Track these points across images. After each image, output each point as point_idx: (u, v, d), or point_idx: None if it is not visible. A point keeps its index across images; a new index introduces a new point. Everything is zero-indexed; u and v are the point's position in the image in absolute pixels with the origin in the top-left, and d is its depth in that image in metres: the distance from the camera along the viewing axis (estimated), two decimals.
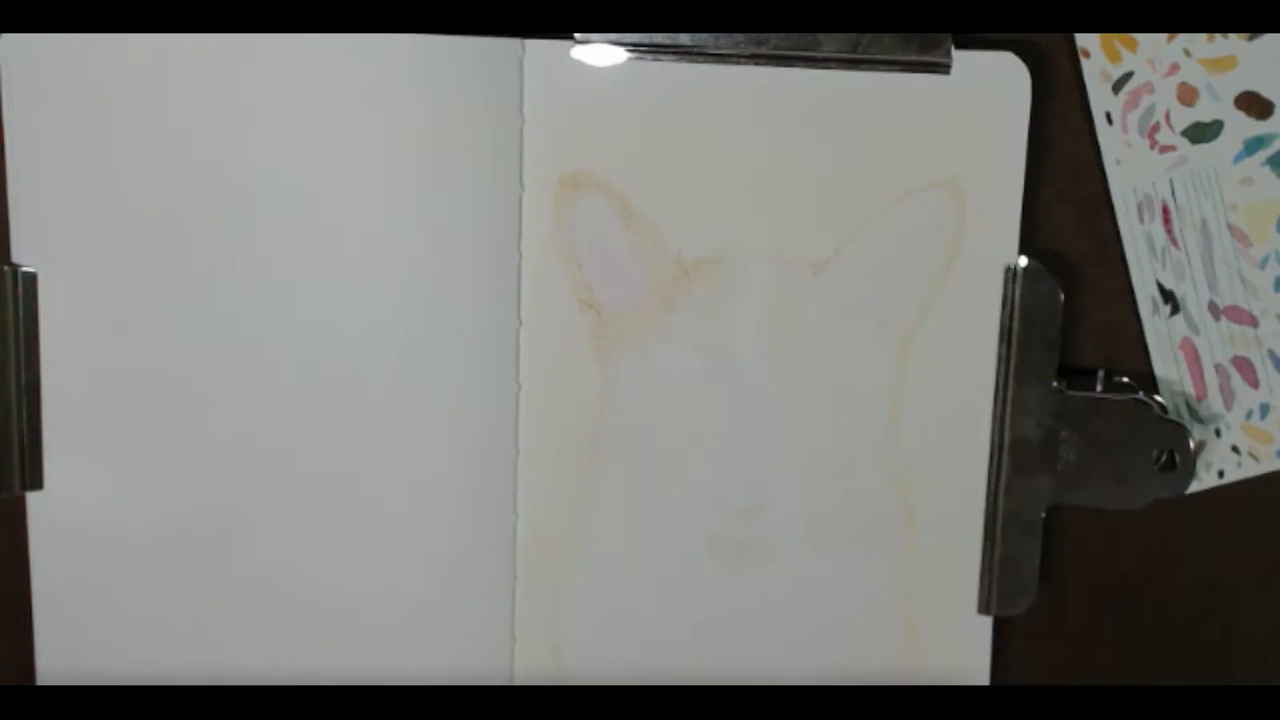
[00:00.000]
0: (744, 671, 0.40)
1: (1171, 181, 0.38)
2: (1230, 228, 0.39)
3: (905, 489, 0.39)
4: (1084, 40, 0.38)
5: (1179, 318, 0.39)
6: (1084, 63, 0.38)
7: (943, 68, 0.37)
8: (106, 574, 0.38)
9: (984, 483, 0.38)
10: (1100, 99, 0.38)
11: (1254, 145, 0.38)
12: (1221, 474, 0.40)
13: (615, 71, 0.37)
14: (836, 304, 0.38)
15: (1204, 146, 0.38)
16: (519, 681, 0.40)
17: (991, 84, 0.37)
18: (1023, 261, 0.38)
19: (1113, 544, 0.40)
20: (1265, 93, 0.38)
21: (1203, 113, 0.38)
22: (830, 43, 0.37)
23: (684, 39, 0.37)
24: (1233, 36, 0.38)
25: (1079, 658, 0.40)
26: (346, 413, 0.38)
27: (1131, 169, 0.38)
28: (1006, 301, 0.38)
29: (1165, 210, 0.39)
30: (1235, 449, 0.39)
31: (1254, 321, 0.39)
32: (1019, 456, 0.38)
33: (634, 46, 0.37)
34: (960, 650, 0.40)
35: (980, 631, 0.39)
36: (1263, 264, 0.39)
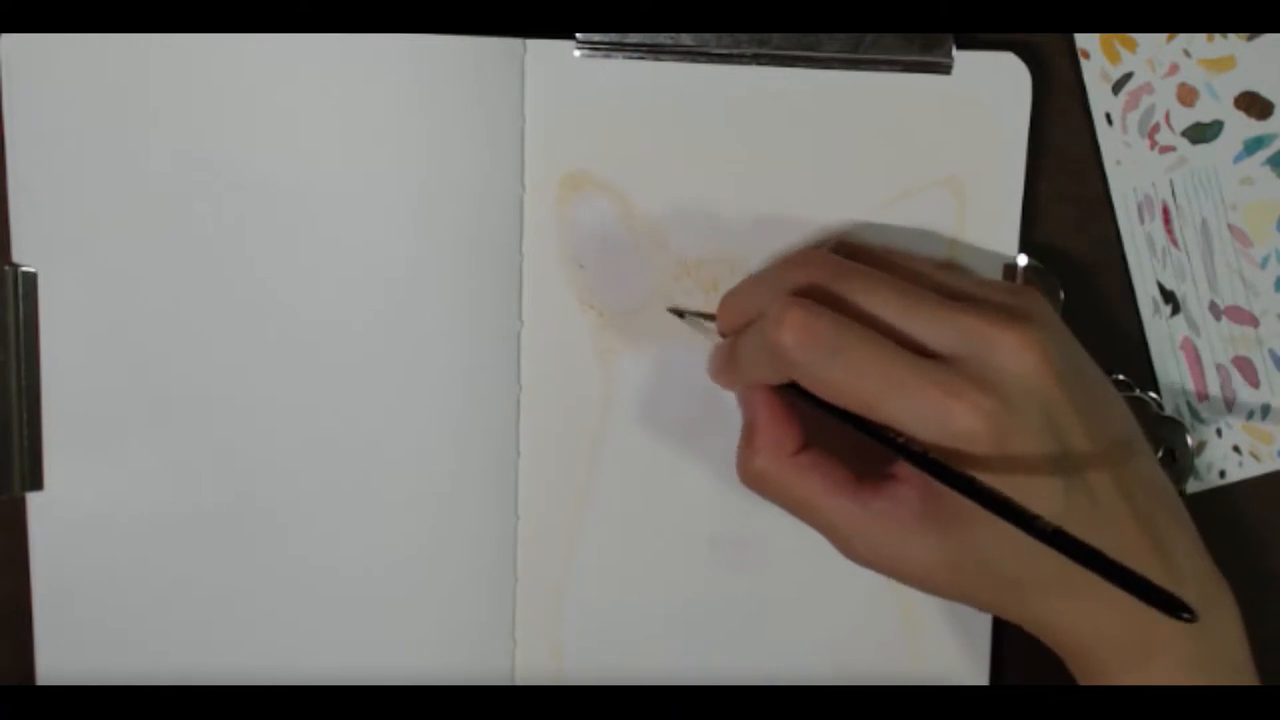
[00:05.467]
0: (744, 672, 0.40)
1: (1171, 182, 0.39)
2: (1230, 228, 0.39)
3: None
4: (1084, 41, 0.38)
5: (1179, 318, 0.39)
6: (1084, 63, 0.38)
7: (944, 68, 0.37)
8: (106, 574, 0.38)
9: None
10: (1100, 99, 0.38)
11: (1254, 145, 0.38)
12: (1223, 474, 0.40)
13: (616, 71, 0.37)
14: None
15: (1204, 146, 0.38)
16: (519, 681, 0.40)
17: (991, 84, 0.37)
18: (1022, 260, 0.38)
19: None
20: (1265, 93, 0.38)
21: (1203, 113, 0.38)
22: (832, 43, 0.37)
23: (685, 39, 0.37)
24: (1232, 36, 0.38)
25: None
26: (347, 413, 0.38)
27: (1131, 169, 0.38)
28: None
29: (1165, 210, 0.39)
30: (1236, 449, 0.40)
31: (1255, 321, 0.39)
32: None
33: (634, 46, 0.37)
34: (960, 650, 0.40)
35: (980, 631, 0.39)
36: (1263, 264, 0.39)
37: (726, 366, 0.35)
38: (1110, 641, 0.32)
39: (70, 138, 0.36)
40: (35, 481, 0.38)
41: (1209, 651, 0.32)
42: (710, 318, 0.37)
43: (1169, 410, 0.39)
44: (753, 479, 0.34)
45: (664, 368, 0.38)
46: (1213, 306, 0.39)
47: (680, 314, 0.38)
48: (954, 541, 0.32)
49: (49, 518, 0.38)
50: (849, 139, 0.37)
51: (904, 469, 0.33)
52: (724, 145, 0.37)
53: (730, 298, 0.36)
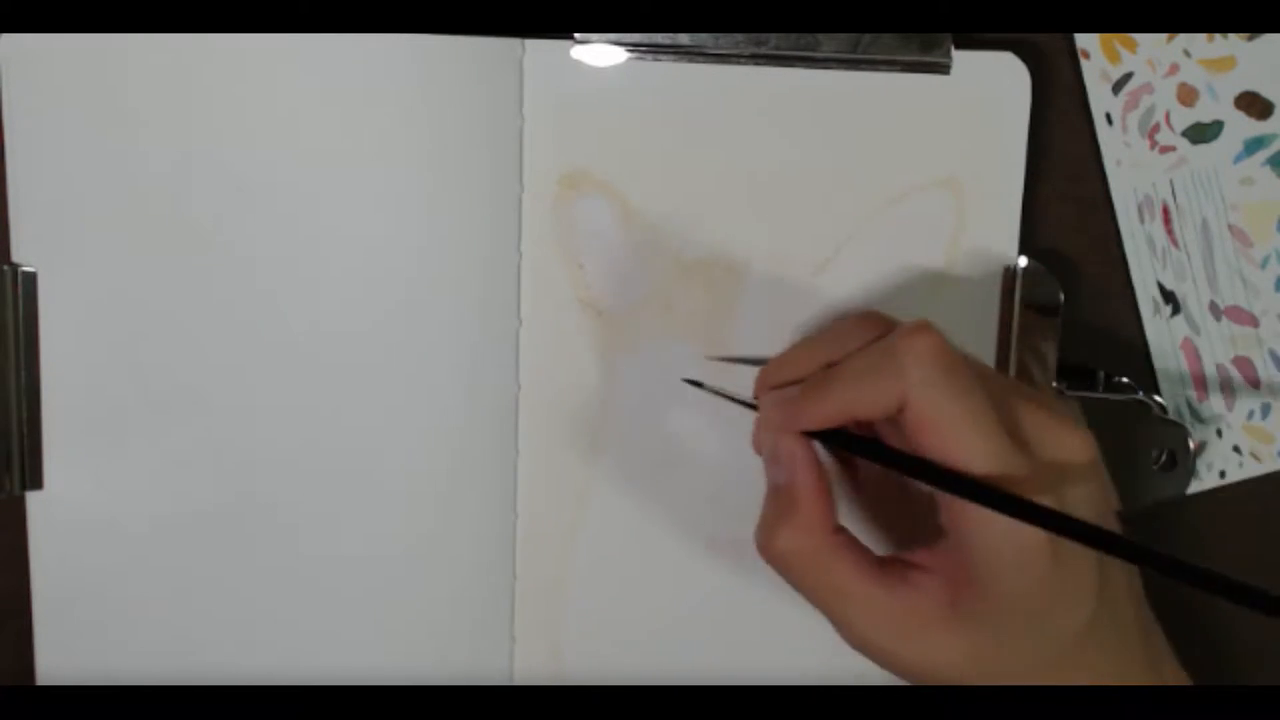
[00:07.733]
0: (744, 671, 0.40)
1: (1172, 182, 0.38)
2: (1231, 228, 0.39)
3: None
4: (1084, 41, 0.38)
5: (1180, 318, 0.39)
6: (1084, 63, 0.38)
7: (943, 68, 0.37)
8: (106, 574, 0.38)
9: None
10: (1100, 99, 0.38)
11: (1254, 145, 0.38)
12: (1223, 474, 0.40)
13: (615, 71, 0.37)
14: (836, 304, 0.38)
15: (1204, 147, 0.38)
16: (518, 681, 0.40)
17: (991, 84, 0.37)
18: (1022, 261, 0.38)
19: None
20: (1265, 93, 0.38)
21: (1203, 113, 0.38)
22: (830, 43, 0.37)
23: (684, 39, 0.37)
24: (1233, 36, 0.38)
25: None
26: (346, 412, 0.38)
27: (1131, 169, 0.38)
28: (1006, 301, 0.38)
29: (1165, 210, 0.39)
30: (1237, 449, 0.39)
31: (1255, 321, 0.39)
32: None
33: (634, 46, 0.37)
34: None
35: None
36: (1263, 264, 0.39)
37: (791, 405, 0.32)
38: None
39: (70, 137, 0.37)
40: (35, 481, 0.38)
41: None
42: (746, 361, 0.37)
43: (1170, 411, 0.39)
44: (781, 557, 0.31)
45: (662, 367, 0.38)
46: (1213, 306, 0.39)
47: (698, 385, 0.37)
48: (978, 635, 0.30)
49: (49, 517, 0.38)
50: (847, 139, 0.37)
51: (926, 556, 0.31)
52: (722, 145, 0.37)
53: (781, 359, 0.34)
